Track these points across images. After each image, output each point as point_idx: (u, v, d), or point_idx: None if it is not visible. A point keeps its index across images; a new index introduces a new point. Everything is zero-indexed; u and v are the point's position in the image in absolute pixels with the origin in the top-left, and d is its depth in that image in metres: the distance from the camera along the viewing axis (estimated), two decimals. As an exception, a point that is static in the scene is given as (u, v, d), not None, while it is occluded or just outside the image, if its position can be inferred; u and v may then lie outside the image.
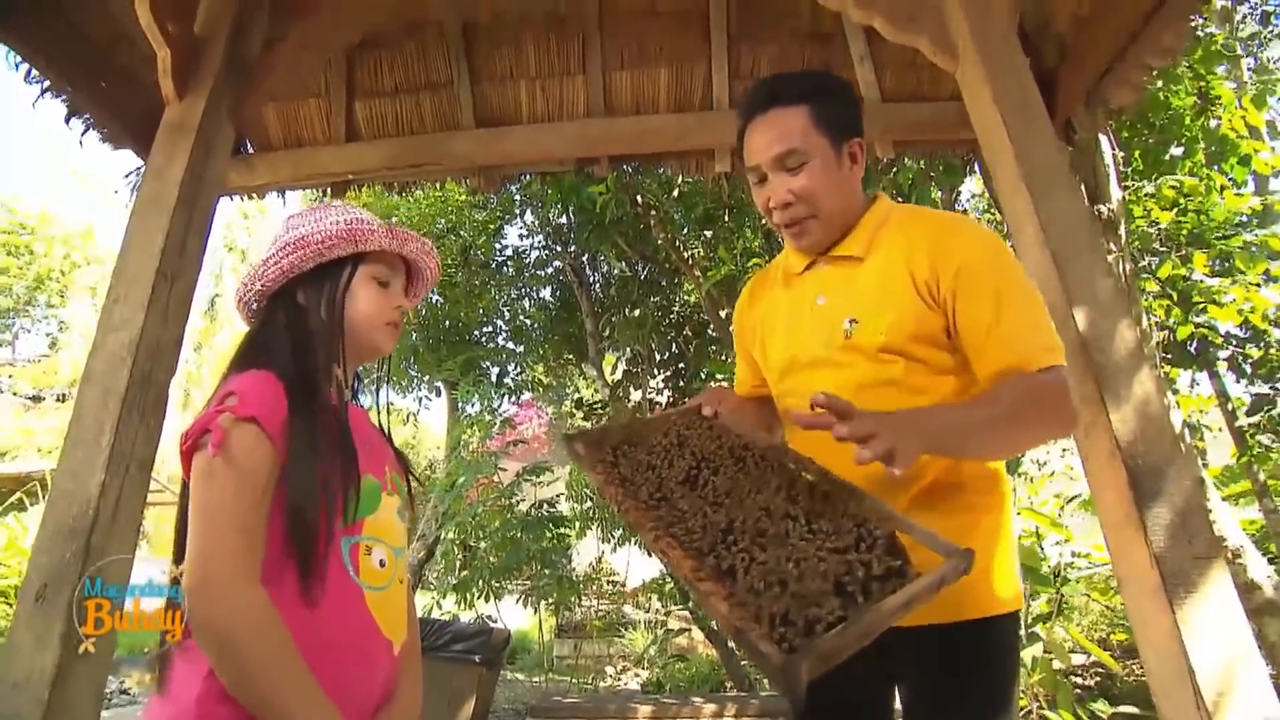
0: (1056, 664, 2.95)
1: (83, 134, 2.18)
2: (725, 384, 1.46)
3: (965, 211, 5.77)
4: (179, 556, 0.85)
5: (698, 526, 0.83)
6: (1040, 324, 1.02)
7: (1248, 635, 1.06)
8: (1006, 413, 0.92)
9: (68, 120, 2.14)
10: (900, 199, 4.33)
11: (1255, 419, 3.72)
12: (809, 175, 1.07)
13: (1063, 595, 3.05)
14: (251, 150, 2.61)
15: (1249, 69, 5.10)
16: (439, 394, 8.35)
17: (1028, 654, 2.67)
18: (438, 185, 2.98)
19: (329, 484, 0.85)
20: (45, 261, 19.68)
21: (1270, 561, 3.19)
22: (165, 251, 1.61)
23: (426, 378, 7.99)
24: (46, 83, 2.04)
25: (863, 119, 1.15)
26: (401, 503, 1.00)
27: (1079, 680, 4.48)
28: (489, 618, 5.90)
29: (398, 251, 1.05)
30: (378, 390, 1.16)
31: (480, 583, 5.39)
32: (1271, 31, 5.29)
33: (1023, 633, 2.79)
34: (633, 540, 6.44)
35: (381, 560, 0.91)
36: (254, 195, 2.65)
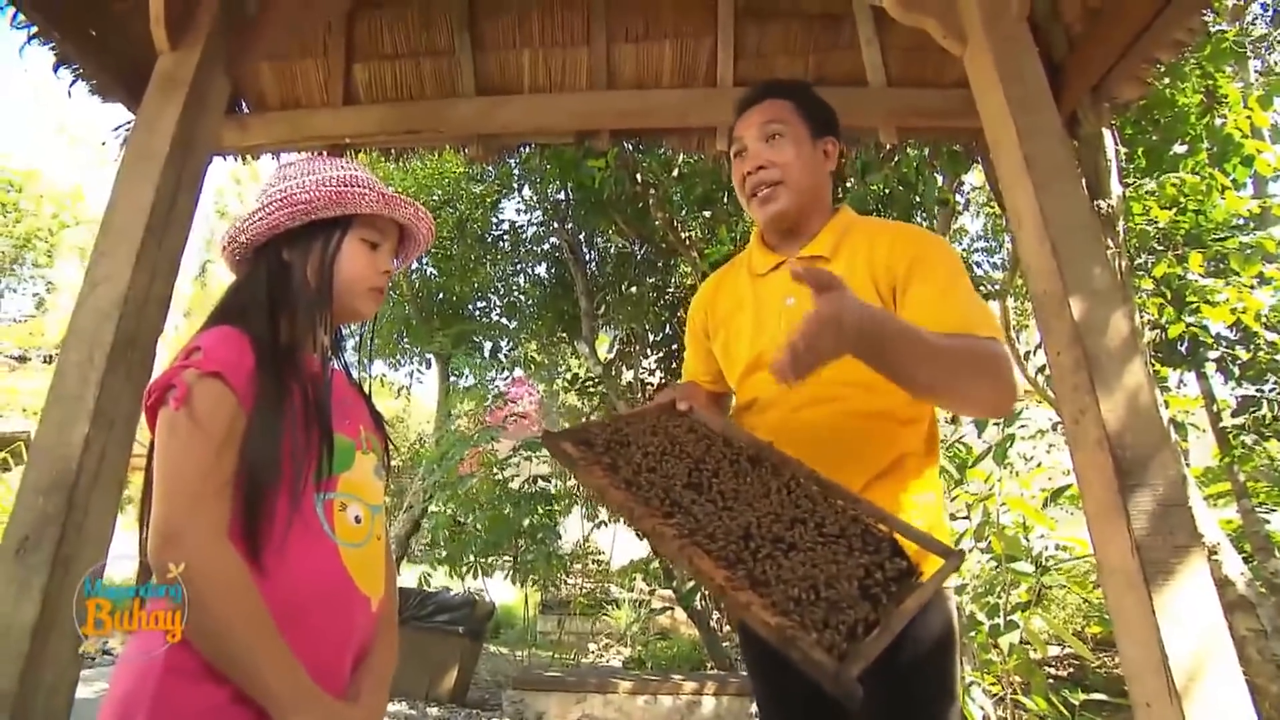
0: (1034, 654, 3.01)
1: (71, 84, 2.12)
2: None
3: (967, 203, 5.77)
4: (143, 526, 0.82)
5: (719, 534, 0.82)
6: (986, 309, 1.11)
7: (1221, 624, 1.07)
8: (944, 349, 0.96)
9: (56, 70, 2.08)
10: (903, 189, 4.31)
11: (1240, 420, 3.76)
12: (785, 146, 1.23)
13: (1043, 585, 3.10)
14: (247, 110, 2.56)
15: (1255, 70, 5.08)
16: (429, 366, 8.32)
17: (1005, 640, 2.72)
18: (435, 154, 2.93)
19: (295, 442, 0.84)
20: (33, 220, 19.29)
21: (1245, 560, 3.25)
22: (155, 206, 1.57)
23: (419, 350, 7.95)
24: (34, 29, 1.98)
25: (839, 131, 1.32)
26: (378, 461, 0.99)
27: (1053, 670, 4.57)
28: (477, 592, 5.95)
29: (389, 216, 1.02)
30: (369, 360, 1.15)
31: (469, 557, 5.41)
32: (1280, 34, 5.26)
33: (999, 620, 2.84)
34: (620, 519, 6.47)
35: (357, 516, 0.90)
36: (248, 156, 2.60)
